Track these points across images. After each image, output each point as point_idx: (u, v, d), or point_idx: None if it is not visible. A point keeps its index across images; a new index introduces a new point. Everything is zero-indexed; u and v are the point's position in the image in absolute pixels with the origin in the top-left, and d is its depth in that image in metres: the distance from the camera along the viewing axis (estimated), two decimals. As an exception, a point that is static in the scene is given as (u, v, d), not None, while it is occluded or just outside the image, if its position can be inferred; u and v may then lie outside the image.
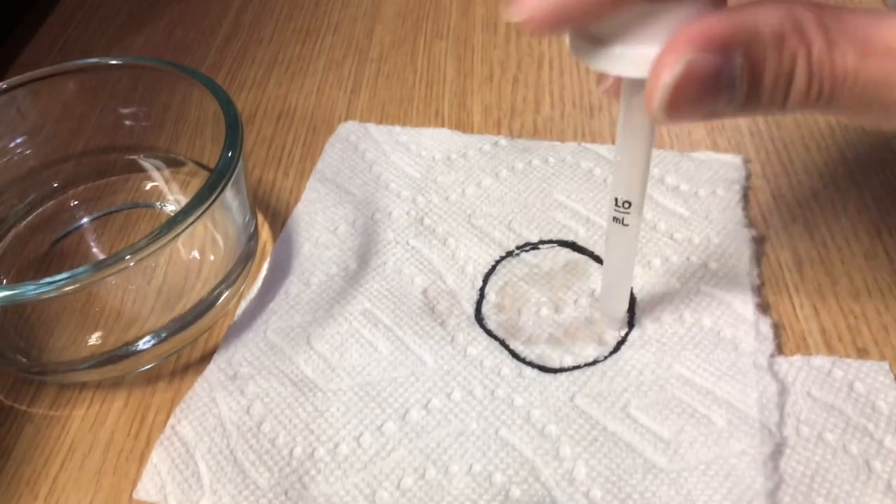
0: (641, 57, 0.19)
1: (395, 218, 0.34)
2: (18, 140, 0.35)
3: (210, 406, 0.28)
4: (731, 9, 0.19)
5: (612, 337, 0.29)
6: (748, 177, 0.35)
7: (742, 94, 0.19)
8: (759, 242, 0.32)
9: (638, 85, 0.20)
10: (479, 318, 0.30)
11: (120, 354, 0.29)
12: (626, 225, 0.25)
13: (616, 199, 0.24)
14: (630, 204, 0.24)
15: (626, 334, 0.29)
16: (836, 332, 0.29)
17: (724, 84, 0.19)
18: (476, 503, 0.25)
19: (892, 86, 0.19)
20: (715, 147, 0.36)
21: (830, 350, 0.28)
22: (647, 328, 0.29)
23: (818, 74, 0.19)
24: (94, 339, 0.30)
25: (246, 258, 0.32)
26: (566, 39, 0.21)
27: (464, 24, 0.46)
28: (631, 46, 0.19)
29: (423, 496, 0.25)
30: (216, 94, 0.31)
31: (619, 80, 0.23)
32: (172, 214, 0.27)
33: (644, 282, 0.31)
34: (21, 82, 0.33)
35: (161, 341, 0.30)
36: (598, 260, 0.32)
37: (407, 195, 0.35)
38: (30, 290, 0.25)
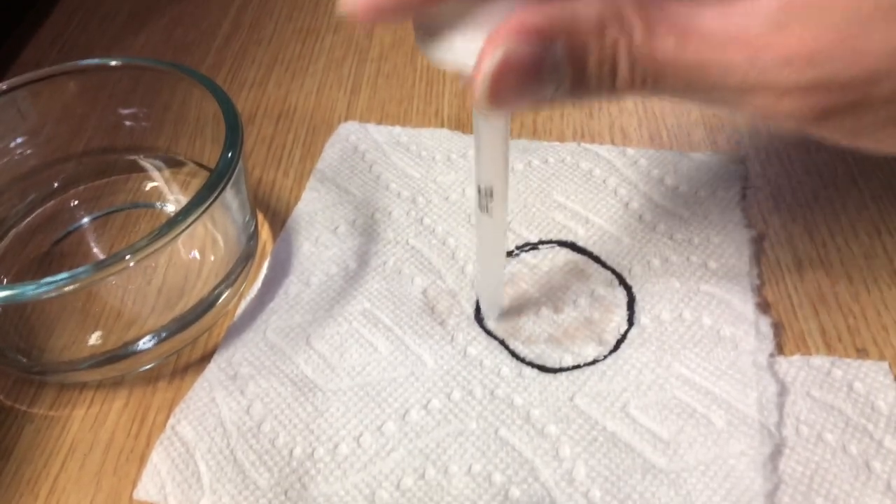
0: (472, 49, 0.20)
1: (395, 218, 0.34)
2: (19, 140, 0.35)
3: (210, 406, 0.28)
4: None
5: (610, 336, 0.29)
6: (747, 177, 0.35)
7: (568, 81, 0.20)
8: (758, 242, 0.32)
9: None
10: (478, 318, 0.30)
11: (120, 354, 0.29)
12: (491, 213, 0.25)
13: (479, 188, 0.24)
14: (492, 192, 0.24)
15: (626, 332, 0.29)
16: (836, 332, 0.29)
17: (546, 72, 0.19)
18: (476, 503, 0.25)
19: (710, 70, 0.19)
20: (714, 147, 0.36)
21: (830, 350, 0.29)
22: (646, 327, 0.29)
23: (640, 61, 0.20)
24: (94, 338, 0.30)
25: (246, 258, 0.32)
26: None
27: (464, 24, 0.46)
28: (461, 38, 0.20)
29: (423, 496, 0.25)
30: (216, 95, 0.31)
31: None
32: (172, 214, 0.27)
33: (644, 281, 0.31)
34: (21, 83, 0.33)
35: (161, 341, 0.30)
36: (598, 260, 0.32)
37: (407, 195, 0.35)
38: (30, 289, 0.25)
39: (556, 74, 0.20)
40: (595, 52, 0.19)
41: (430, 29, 0.21)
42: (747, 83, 0.19)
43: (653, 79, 0.20)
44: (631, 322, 0.30)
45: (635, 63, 0.20)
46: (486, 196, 0.24)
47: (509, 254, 0.32)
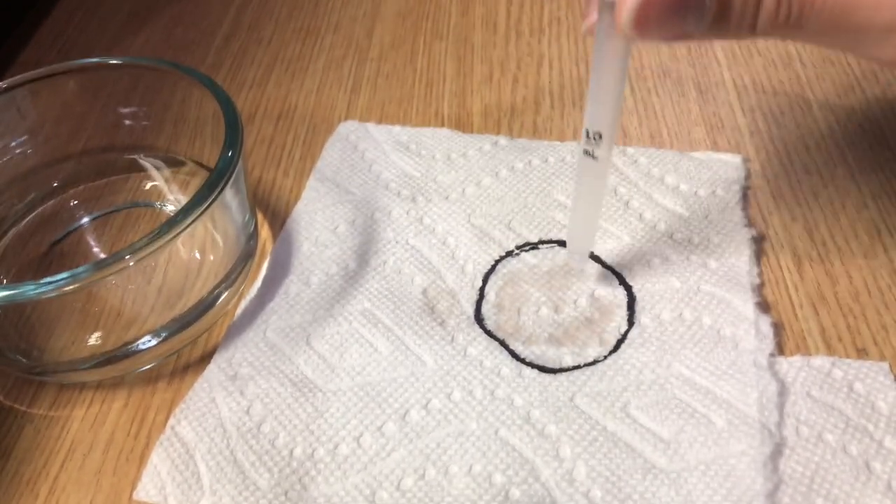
0: None
1: (395, 217, 0.34)
2: (18, 139, 0.35)
3: (210, 406, 0.28)
4: None
5: (611, 336, 0.29)
6: (748, 176, 0.35)
7: (711, 13, 0.20)
8: (758, 242, 0.32)
9: (611, 8, 0.20)
10: (478, 318, 0.30)
11: (120, 354, 0.29)
12: (596, 158, 0.24)
13: (587, 132, 0.24)
14: (601, 136, 0.24)
15: (626, 332, 0.29)
16: (836, 332, 0.29)
17: (692, 2, 0.19)
18: (476, 503, 0.25)
19: (858, 8, 0.19)
20: (715, 147, 0.36)
21: (830, 350, 0.28)
22: (646, 327, 0.29)
23: None
24: (94, 339, 0.30)
25: (246, 258, 0.32)
26: None
27: (464, 23, 0.46)
28: None
29: (423, 497, 0.25)
30: (216, 94, 0.31)
31: None
32: (172, 214, 0.27)
33: (644, 281, 0.31)
34: (21, 82, 0.33)
35: (161, 341, 0.30)
36: (598, 260, 0.32)
37: (407, 194, 0.35)
38: (30, 289, 0.25)
39: (700, 5, 0.19)
40: None
41: None
42: None
43: (797, 16, 0.19)
44: (631, 322, 0.30)
45: None
46: (594, 140, 0.24)
47: (509, 253, 0.32)
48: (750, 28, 0.20)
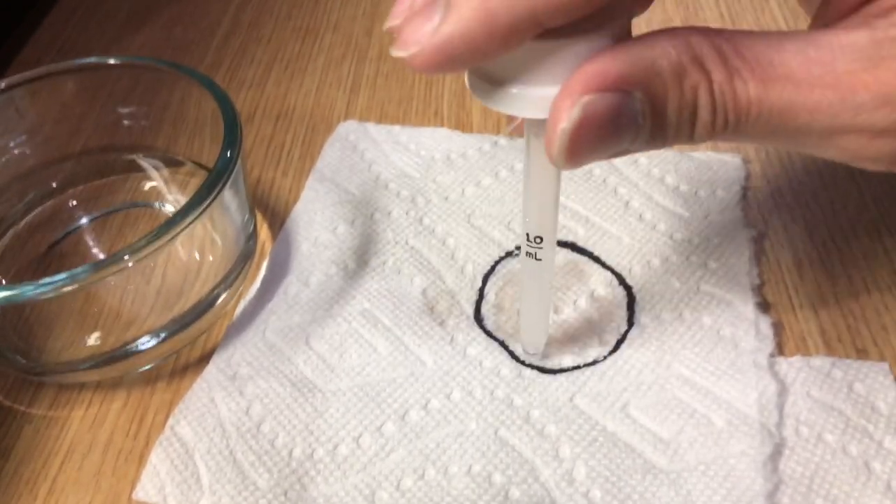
0: (540, 98, 0.18)
1: (395, 218, 0.34)
2: (17, 139, 0.35)
3: (209, 407, 0.28)
4: (628, 44, 0.18)
5: (610, 336, 0.29)
6: (748, 177, 0.34)
7: (647, 131, 0.19)
8: (758, 242, 0.32)
9: (539, 125, 0.19)
10: (478, 318, 0.30)
11: (119, 355, 0.29)
12: (539, 259, 0.24)
13: (528, 235, 0.24)
14: (541, 239, 0.24)
15: (626, 333, 0.29)
16: (836, 333, 0.29)
17: (625, 123, 0.18)
18: (475, 503, 0.25)
19: (796, 113, 0.18)
20: (715, 147, 0.36)
21: (830, 350, 0.28)
22: (646, 327, 0.29)
23: (721, 105, 0.19)
24: (93, 339, 0.30)
25: (245, 258, 0.32)
26: (465, 78, 0.20)
27: (463, 23, 0.45)
28: (529, 87, 0.18)
29: (423, 497, 0.25)
30: (215, 94, 0.31)
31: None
32: (171, 214, 0.27)
33: (644, 281, 0.31)
34: (20, 81, 0.33)
35: (160, 342, 0.30)
36: (598, 260, 0.32)
37: (406, 195, 0.35)
38: (29, 290, 0.25)
39: (634, 124, 0.18)
40: (675, 99, 0.18)
41: (492, 77, 0.19)
42: (836, 125, 0.18)
43: (734, 124, 0.19)
44: (631, 322, 0.30)
45: (716, 108, 0.19)
46: (534, 243, 0.24)
47: (509, 254, 0.32)
48: (688, 137, 0.19)
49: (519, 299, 0.28)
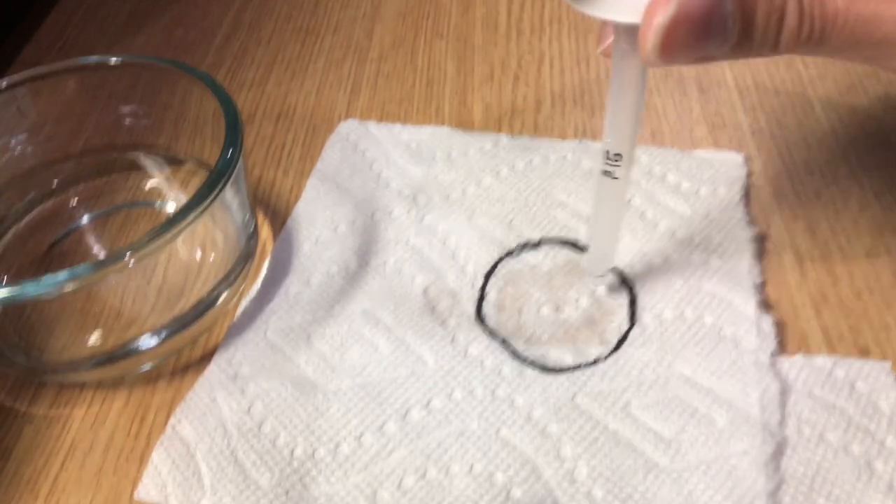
0: (634, 2, 0.20)
1: (396, 217, 0.34)
2: (18, 138, 0.35)
3: (211, 406, 0.28)
4: None
5: (612, 335, 0.29)
6: (749, 175, 0.34)
7: (735, 35, 0.20)
8: (760, 241, 0.32)
9: (630, 32, 0.21)
10: (479, 317, 0.30)
11: (120, 354, 0.29)
12: (616, 178, 0.25)
13: (607, 153, 0.25)
14: (620, 156, 0.24)
15: (627, 332, 0.29)
16: (838, 331, 0.29)
17: (715, 25, 0.19)
18: (477, 503, 0.25)
19: (881, 22, 0.19)
20: (716, 145, 0.36)
21: (832, 349, 0.28)
22: (648, 326, 0.29)
23: (809, 13, 0.19)
24: (94, 338, 0.30)
25: (246, 257, 0.32)
26: None
27: (464, 23, 0.46)
28: None
29: (424, 496, 0.25)
30: (216, 93, 0.31)
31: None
32: (172, 213, 0.27)
33: (645, 280, 0.31)
34: (21, 80, 0.33)
35: (161, 341, 0.30)
36: (599, 259, 0.32)
37: (407, 194, 0.35)
38: (30, 289, 0.25)
39: (724, 28, 0.20)
40: (765, 4, 0.19)
41: None
42: None
43: (819, 33, 0.20)
44: (632, 321, 0.29)
45: (804, 15, 0.19)
46: (613, 161, 0.25)
47: (510, 253, 0.32)
48: (773, 47, 0.20)
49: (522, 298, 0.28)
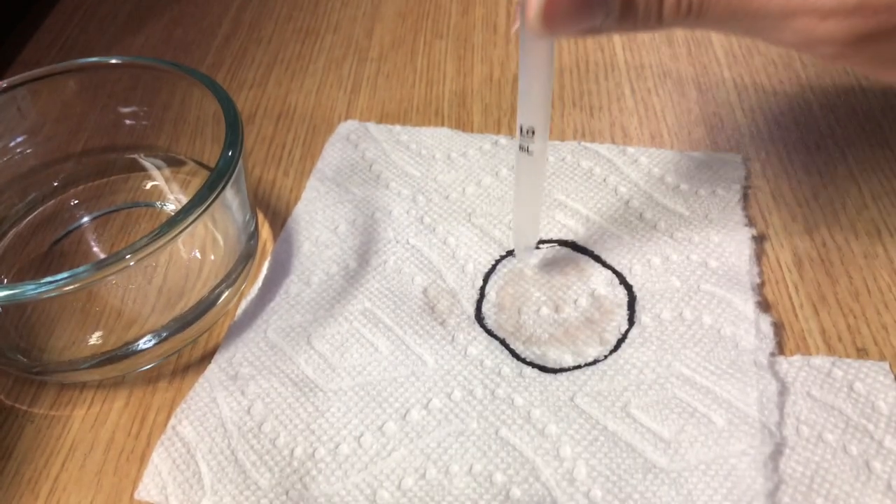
0: None
1: (396, 217, 0.34)
2: (19, 139, 0.35)
3: (211, 406, 0.28)
4: None
5: (611, 335, 0.29)
6: (748, 176, 0.35)
7: (616, 9, 0.21)
8: (758, 241, 0.32)
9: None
10: (479, 317, 0.30)
11: (120, 354, 0.29)
12: (531, 153, 0.26)
13: (521, 128, 0.25)
14: (533, 131, 0.25)
15: (626, 332, 0.29)
16: (836, 332, 0.29)
17: (597, 1, 0.21)
18: (477, 503, 0.25)
19: None
20: (715, 146, 0.36)
21: (830, 350, 0.29)
22: (647, 327, 0.29)
23: None
24: (94, 338, 0.30)
25: (246, 257, 0.32)
26: None
27: (464, 23, 0.46)
28: None
29: (424, 496, 0.25)
30: (216, 94, 0.31)
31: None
32: (173, 214, 0.27)
33: (644, 280, 0.31)
34: (21, 81, 0.33)
35: (161, 341, 0.30)
36: (598, 259, 0.32)
37: (407, 194, 0.35)
38: (30, 289, 0.25)
39: (605, 3, 0.21)
40: None
41: None
42: (789, 7, 0.20)
43: (698, 6, 0.21)
44: (631, 321, 0.30)
45: None
46: (527, 135, 0.25)
47: (510, 253, 0.32)
48: (656, 20, 0.22)
49: (515, 297, 0.28)
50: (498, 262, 0.32)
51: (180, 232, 0.27)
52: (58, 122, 0.36)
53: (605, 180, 0.35)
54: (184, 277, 0.32)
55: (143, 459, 0.27)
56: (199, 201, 0.27)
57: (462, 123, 0.39)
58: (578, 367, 0.28)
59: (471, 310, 0.31)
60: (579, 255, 0.32)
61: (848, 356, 0.28)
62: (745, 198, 0.34)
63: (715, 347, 0.28)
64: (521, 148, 0.26)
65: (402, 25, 0.46)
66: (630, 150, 0.36)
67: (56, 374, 0.30)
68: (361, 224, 0.34)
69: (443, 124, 0.39)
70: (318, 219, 0.34)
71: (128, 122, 0.36)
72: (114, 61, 0.34)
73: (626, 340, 0.29)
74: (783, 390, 0.27)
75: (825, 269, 0.31)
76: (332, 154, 0.38)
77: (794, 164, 0.35)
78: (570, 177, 0.35)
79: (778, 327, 0.29)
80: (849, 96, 0.38)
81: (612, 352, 0.29)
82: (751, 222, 0.33)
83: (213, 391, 0.29)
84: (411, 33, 0.45)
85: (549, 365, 0.29)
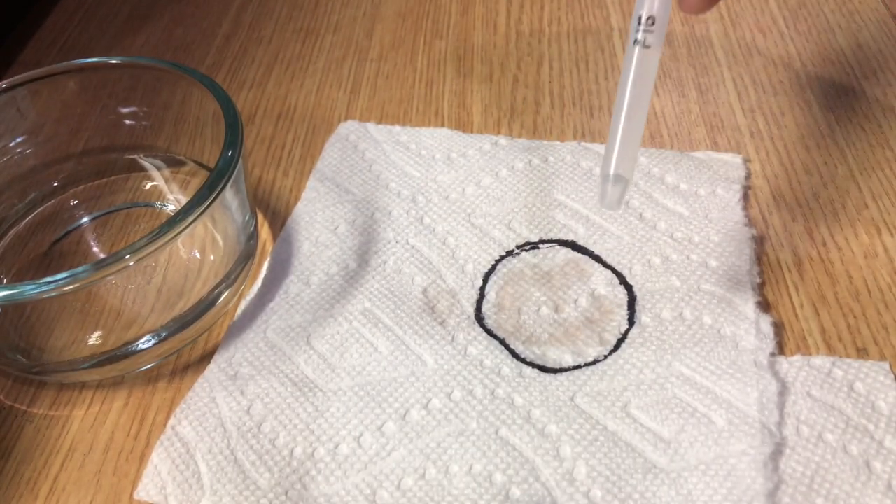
0: None
1: (395, 217, 0.34)
2: (19, 139, 0.35)
3: (210, 406, 0.28)
4: None
5: (611, 335, 0.29)
6: (748, 176, 0.35)
7: None
8: (758, 241, 0.32)
9: None
10: (479, 317, 0.30)
11: (120, 354, 0.29)
12: (648, 47, 0.23)
13: (639, 18, 0.23)
14: (654, 21, 0.22)
15: (626, 332, 0.29)
16: (836, 332, 0.29)
17: None
18: (476, 503, 0.25)
19: None
20: (715, 146, 0.36)
21: (830, 350, 0.28)
22: (647, 327, 0.29)
23: None
24: (94, 338, 0.30)
25: (246, 258, 0.32)
26: None
27: (464, 23, 0.46)
28: None
29: (424, 496, 0.25)
30: (216, 94, 0.31)
31: None
32: (172, 214, 0.27)
33: (644, 280, 0.31)
34: (21, 81, 0.33)
35: (161, 341, 0.30)
36: (598, 259, 0.32)
37: (407, 194, 0.35)
38: (30, 289, 0.25)
39: None
40: None
41: None
42: None
43: None
44: (631, 321, 0.30)
45: None
46: (647, 25, 0.22)
47: (509, 253, 0.32)
48: None
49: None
50: (498, 262, 0.32)
51: (180, 232, 0.27)
52: (58, 122, 0.36)
53: (604, 180, 0.35)
54: (183, 277, 0.32)
55: (143, 459, 0.27)
56: (199, 201, 0.27)
57: (462, 123, 0.39)
58: (578, 367, 0.28)
59: (471, 310, 0.31)
60: (579, 255, 0.32)
61: (848, 356, 0.28)
62: (745, 198, 0.34)
63: (715, 347, 0.28)
64: (635, 42, 0.22)
65: (402, 25, 0.46)
66: (630, 150, 0.36)
67: (55, 375, 0.30)
68: (361, 224, 0.34)
69: (443, 124, 0.39)
70: (318, 219, 0.34)
71: (128, 122, 0.36)
72: (114, 61, 0.34)
73: (626, 340, 0.29)
74: (783, 390, 0.27)
75: (825, 268, 0.31)
76: (332, 154, 0.38)
77: (794, 163, 0.35)
78: (570, 177, 0.35)
79: (778, 327, 0.29)
80: (849, 96, 0.38)
81: (612, 352, 0.29)
82: (751, 222, 0.33)
83: (213, 391, 0.29)
84: (411, 33, 0.45)
85: (549, 365, 0.29)
